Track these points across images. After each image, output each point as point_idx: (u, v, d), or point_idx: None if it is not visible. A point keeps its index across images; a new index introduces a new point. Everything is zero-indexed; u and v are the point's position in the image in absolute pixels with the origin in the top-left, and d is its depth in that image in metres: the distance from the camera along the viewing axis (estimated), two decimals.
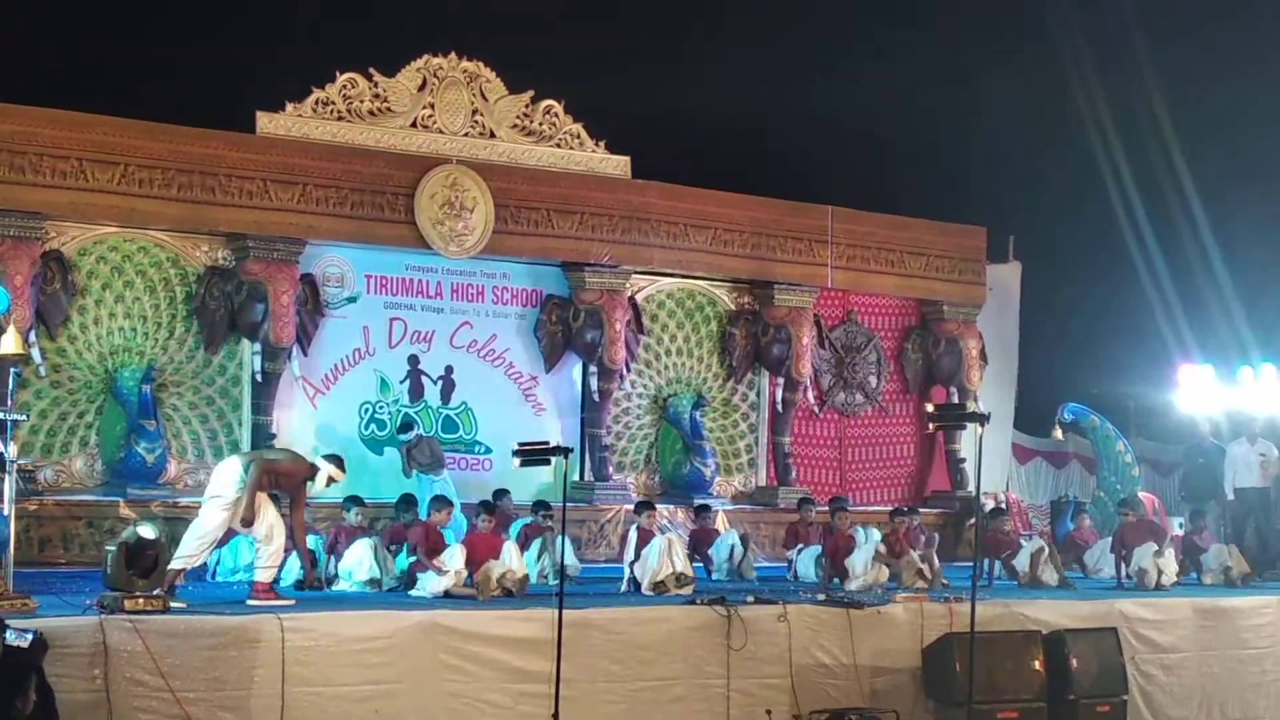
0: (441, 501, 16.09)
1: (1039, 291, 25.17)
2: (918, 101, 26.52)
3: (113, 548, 12.49)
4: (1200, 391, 23.07)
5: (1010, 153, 26.67)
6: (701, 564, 17.81)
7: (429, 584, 14.89)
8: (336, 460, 14.91)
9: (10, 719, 9.68)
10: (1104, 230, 26.94)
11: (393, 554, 15.81)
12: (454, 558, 15.04)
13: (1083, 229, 27.49)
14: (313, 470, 14.58)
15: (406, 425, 19.12)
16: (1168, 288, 26.96)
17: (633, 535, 16.42)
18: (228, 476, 13.99)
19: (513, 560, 15.20)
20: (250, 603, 13.45)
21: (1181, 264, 27.00)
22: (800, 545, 18.67)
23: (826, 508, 19.18)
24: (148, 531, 12.70)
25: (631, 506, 18.34)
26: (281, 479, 14.32)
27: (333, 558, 15.94)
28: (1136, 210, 26.69)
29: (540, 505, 17.40)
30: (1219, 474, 21.63)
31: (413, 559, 15.42)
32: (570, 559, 16.66)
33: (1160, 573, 18.06)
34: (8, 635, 10.25)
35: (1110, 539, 19.25)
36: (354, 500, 16.52)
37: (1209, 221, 26.52)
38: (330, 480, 14.66)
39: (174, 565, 13.48)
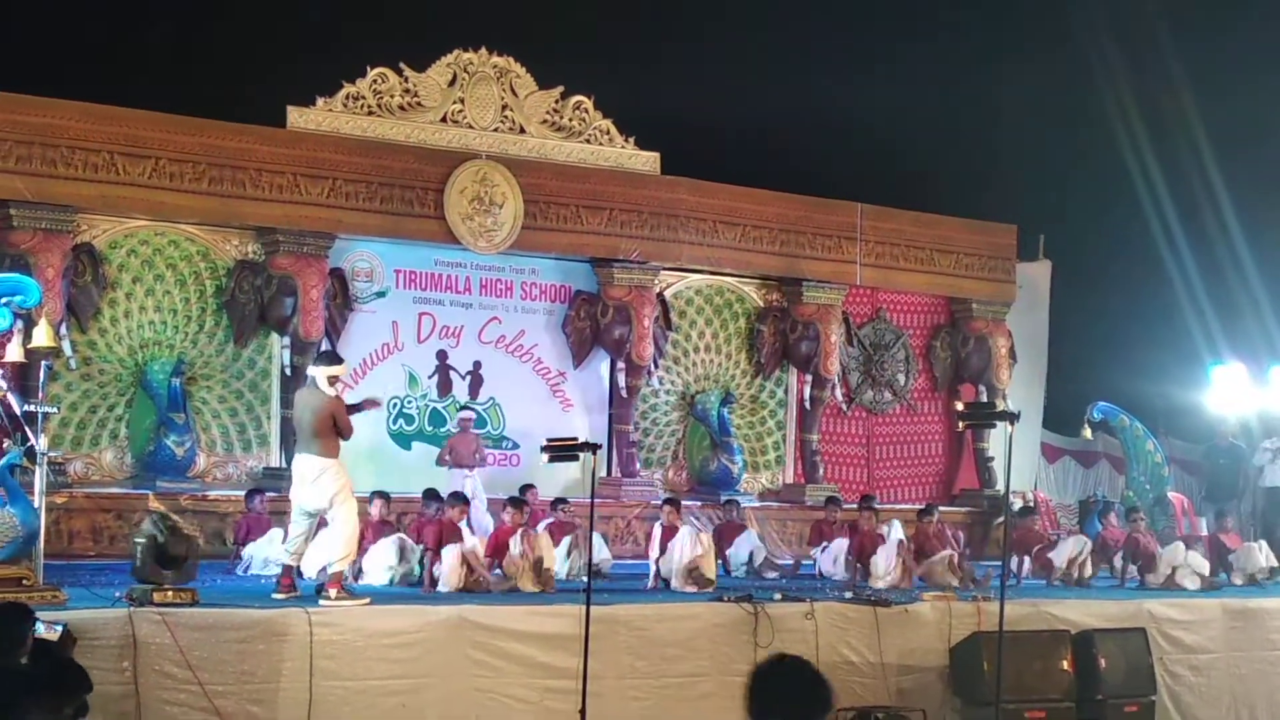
0: (457, 498, 16.05)
1: (1069, 290, 25.13)
2: (948, 99, 26.46)
3: (141, 540, 12.51)
4: (1231, 391, 23.00)
5: (1040, 151, 26.60)
6: (721, 562, 17.85)
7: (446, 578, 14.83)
8: (324, 359, 14.29)
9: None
10: (1134, 229, 26.84)
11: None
12: (449, 554, 14.93)
13: (1113, 227, 27.40)
14: (329, 398, 13.81)
15: (467, 409, 19.28)
16: (1198, 287, 26.84)
17: (657, 531, 16.42)
18: (313, 465, 13.61)
19: (546, 552, 15.21)
20: (322, 602, 13.13)
21: (1211, 263, 26.88)
22: (825, 543, 18.62)
23: (854, 506, 19.16)
24: (158, 528, 12.70)
25: (658, 502, 18.34)
26: (333, 421, 13.72)
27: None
28: (1166, 209, 26.57)
29: (559, 501, 17.36)
30: (1239, 473, 21.65)
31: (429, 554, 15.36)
32: (604, 553, 16.66)
33: (1191, 571, 18.07)
34: (37, 628, 10.27)
35: None
36: (379, 495, 16.33)
37: (1239, 220, 26.39)
38: (334, 379, 13.85)
39: (336, 568, 13.38)
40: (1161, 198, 26.52)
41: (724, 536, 18.26)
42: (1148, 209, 26.61)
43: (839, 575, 17.79)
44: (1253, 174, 26.08)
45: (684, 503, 18.26)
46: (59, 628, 10.76)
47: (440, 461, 18.73)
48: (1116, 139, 26.45)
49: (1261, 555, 18.91)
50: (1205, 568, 18.32)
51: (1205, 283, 26.81)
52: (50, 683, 9.35)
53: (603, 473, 19.80)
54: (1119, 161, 26.41)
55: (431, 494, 16.57)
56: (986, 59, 26.36)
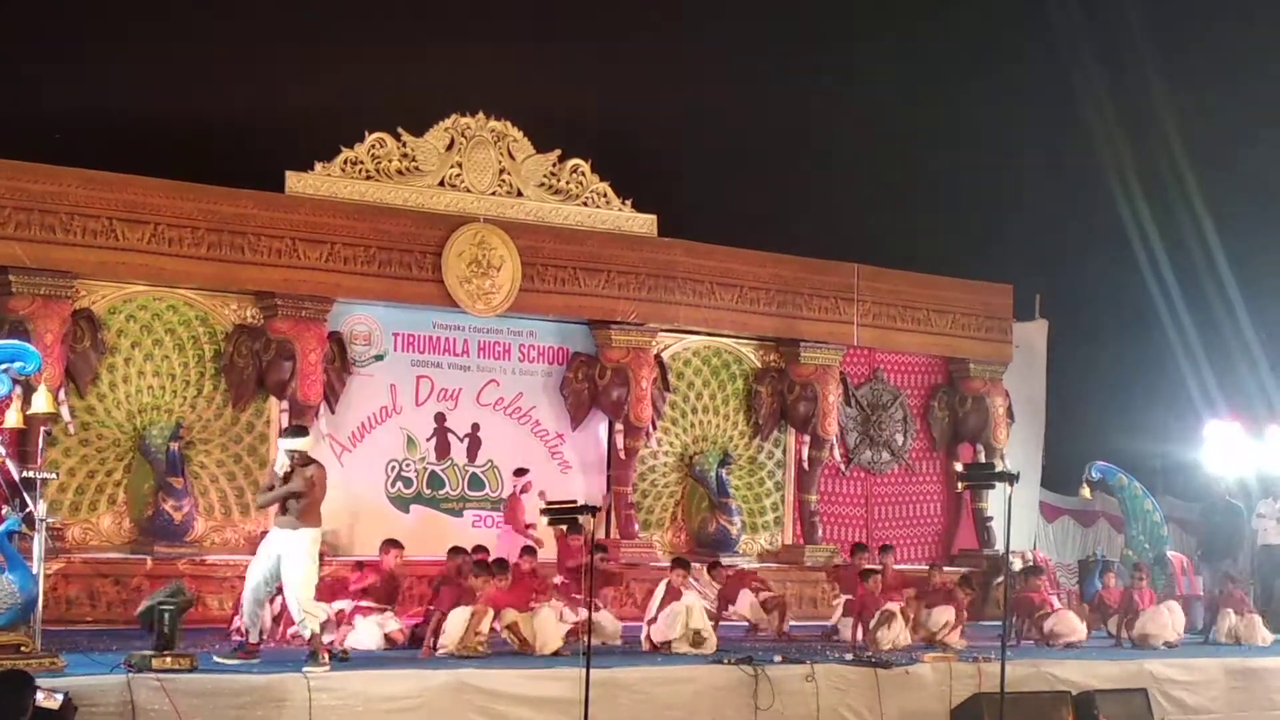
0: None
1: (1066, 349, 25.19)
2: (944, 160, 26.58)
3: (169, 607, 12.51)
4: (1228, 449, 23.02)
5: (1037, 210, 26.72)
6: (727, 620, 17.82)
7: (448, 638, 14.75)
8: (291, 431, 14.38)
9: None
10: (1131, 287, 26.95)
11: None
12: (457, 617, 14.87)
13: (1109, 286, 27.50)
14: (310, 467, 13.80)
15: (521, 470, 19.26)
16: (1195, 345, 26.92)
17: (660, 591, 16.30)
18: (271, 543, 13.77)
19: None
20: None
21: (1208, 321, 26.98)
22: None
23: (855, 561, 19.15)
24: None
25: (657, 564, 18.27)
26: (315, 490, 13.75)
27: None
28: (1163, 267, 26.68)
29: (598, 548, 17.11)
30: (1236, 531, 21.67)
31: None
32: (611, 624, 16.51)
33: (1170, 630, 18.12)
34: (38, 696, 10.25)
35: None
36: (392, 543, 16.10)
37: (1236, 279, 26.49)
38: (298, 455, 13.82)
39: (316, 625, 13.32)
40: (1158, 256, 26.64)
41: (726, 596, 18.25)
42: (1144, 268, 26.73)
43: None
44: (1249, 232, 26.20)
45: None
46: (60, 696, 10.72)
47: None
48: (1113, 198, 26.59)
49: (1258, 633, 18.99)
50: (1180, 626, 18.36)
51: (1202, 341, 26.88)
52: None
53: (601, 534, 19.77)
54: (1115, 220, 26.56)
55: (457, 552, 16.42)
56: (984, 119, 26.51)
